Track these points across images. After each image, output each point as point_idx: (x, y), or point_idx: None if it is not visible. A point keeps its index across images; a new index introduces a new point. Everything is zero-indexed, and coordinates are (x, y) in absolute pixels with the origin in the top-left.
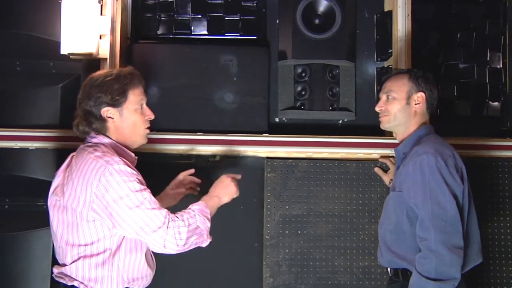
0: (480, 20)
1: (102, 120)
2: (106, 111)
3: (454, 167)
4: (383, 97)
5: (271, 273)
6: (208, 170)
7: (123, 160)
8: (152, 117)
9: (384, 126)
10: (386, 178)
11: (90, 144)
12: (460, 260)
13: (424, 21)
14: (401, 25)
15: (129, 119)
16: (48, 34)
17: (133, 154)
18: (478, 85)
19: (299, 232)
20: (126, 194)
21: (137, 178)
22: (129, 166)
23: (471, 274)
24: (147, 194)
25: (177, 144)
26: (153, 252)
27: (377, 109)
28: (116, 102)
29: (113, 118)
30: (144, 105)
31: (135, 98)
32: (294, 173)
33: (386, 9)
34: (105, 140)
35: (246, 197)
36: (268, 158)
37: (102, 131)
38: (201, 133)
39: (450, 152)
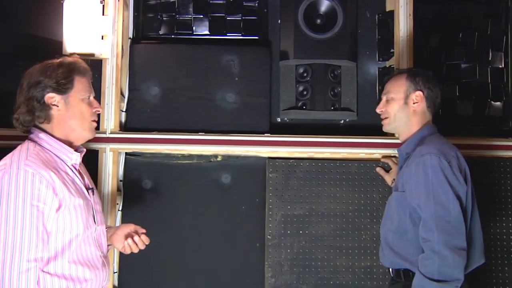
0: (482, 20)
1: (46, 107)
2: (51, 98)
3: (458, 167)
4: (384, 98)
5: (273, 273)
6: (210, 170)
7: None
8: (100, 110)
9: (386, 128)
10: (388, 178)
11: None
12: (463, 261)
13: (425, 21)
14: (403, 25)
15: (76, 108)
16: (50, 34)
17: (72, 150)
18: (480, 85)
19: (301, 232)
20: None
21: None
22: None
23: (474, 274)
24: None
25: (178, 144)
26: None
27: (377, 110)
28: (62, 87)
29: (57, 106)
30: (92, 97)
31: (82, 86)
32: (296, 173)
33: (388, 9)
34: (41, 135)
35: (248, 197)
36: (270, 158)
37: (46, 120)
38: (203, 133)
39: (454, 152)
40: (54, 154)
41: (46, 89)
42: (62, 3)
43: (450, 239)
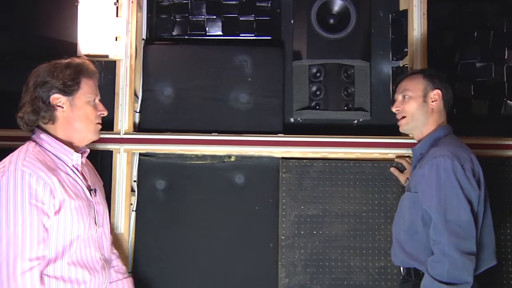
0: (498, 18)
1: (51, 107)
2: (56, 99)
3: (471, 170)
4: (399, 97)
5: (286, 273)
6: (223, 171)
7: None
8: (105, 113)
9: (403, 128)
10: (402, 178)
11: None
12: (473, 264)
13: (440, 20)
14: (417, 24)
15: (81, 110)
16: (65, 36)
17: (72, 151)
18: (495, 84)
19: (314, 232)
20: None
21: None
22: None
23: (486, 275)
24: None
25: (192, 145)
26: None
27: (393, 109)
28: (68, 88)
29: (62, 108)
30: (97, 100)
31: (88, 88)
32: (309, 173)
33: (402, 8)
34: (42, 135)
35: (261, 197)
36: (283, 158)
37: (50, 121)
38: (216, 134)
39: (468, 155)
40: (55, 155)
41: (52, 90)
42: (77, 5)
43: (460, 242)
